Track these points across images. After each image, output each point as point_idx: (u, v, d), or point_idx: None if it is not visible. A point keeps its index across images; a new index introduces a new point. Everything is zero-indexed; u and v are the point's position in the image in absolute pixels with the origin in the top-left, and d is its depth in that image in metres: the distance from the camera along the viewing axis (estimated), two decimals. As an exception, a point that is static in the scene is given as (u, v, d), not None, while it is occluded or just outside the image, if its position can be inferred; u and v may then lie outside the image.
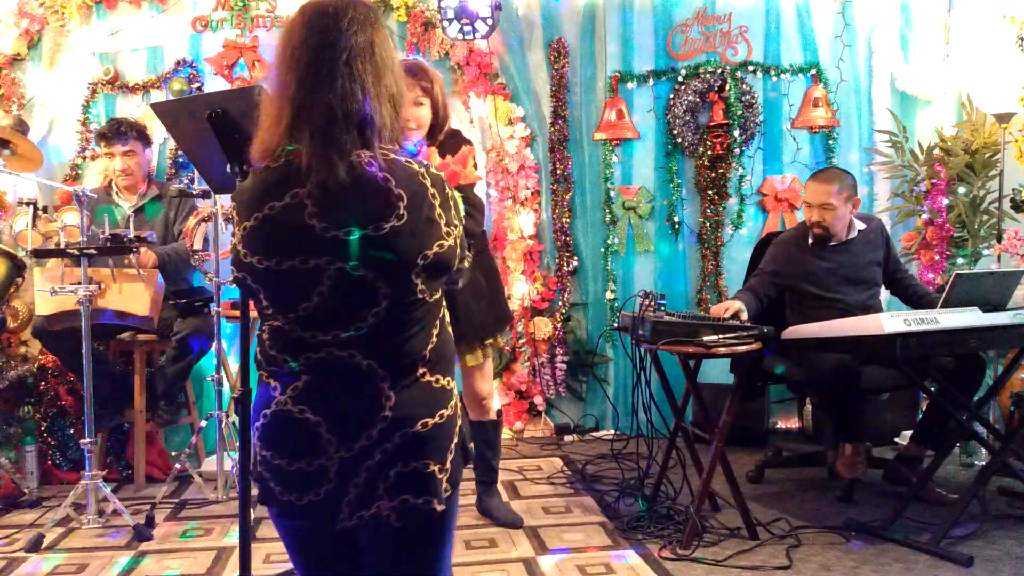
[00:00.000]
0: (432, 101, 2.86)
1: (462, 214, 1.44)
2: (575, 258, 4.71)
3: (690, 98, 4.61)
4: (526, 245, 4.60)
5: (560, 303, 4.68)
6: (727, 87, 4.59)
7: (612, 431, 4.63)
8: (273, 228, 1.33)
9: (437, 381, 1.40)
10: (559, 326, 4.65)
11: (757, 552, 2.93)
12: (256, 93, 2.27)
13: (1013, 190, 4.14)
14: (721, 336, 2.89)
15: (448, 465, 1.40)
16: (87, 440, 3.28)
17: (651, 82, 4.69)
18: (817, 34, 4.72)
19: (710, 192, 4.66)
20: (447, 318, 1.46)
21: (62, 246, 3.28)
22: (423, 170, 1.37)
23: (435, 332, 1.40)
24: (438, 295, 1.41)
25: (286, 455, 1.37)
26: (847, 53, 4.72)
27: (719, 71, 4.61)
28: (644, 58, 4.70)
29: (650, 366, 3.27)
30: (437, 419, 1.38)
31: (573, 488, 3.71)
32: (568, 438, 4.59)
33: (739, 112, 4.60)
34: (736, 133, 4.60)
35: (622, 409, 4.62)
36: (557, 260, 4.70)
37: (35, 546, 3.08)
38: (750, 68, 4.67)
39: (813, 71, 4.70)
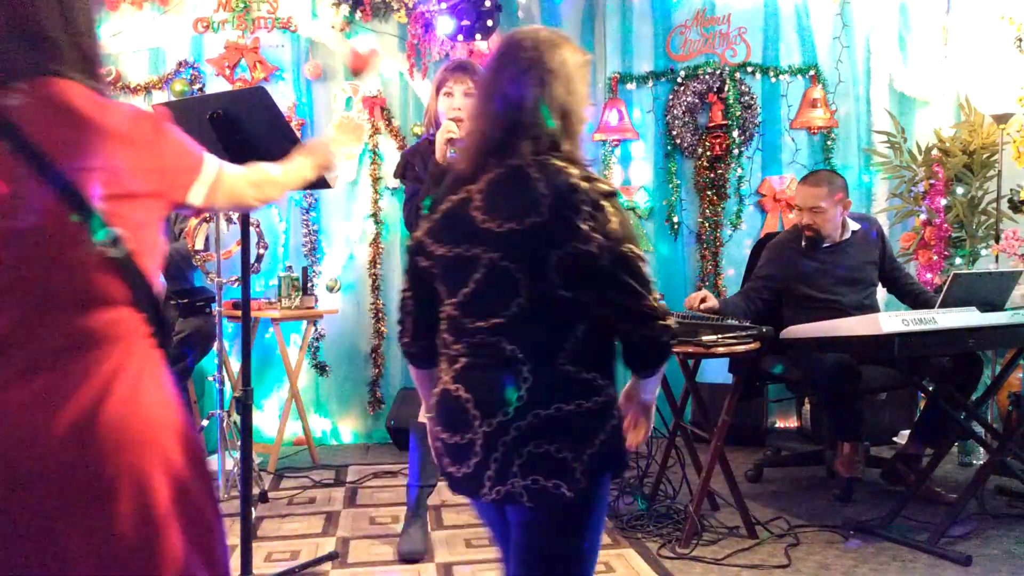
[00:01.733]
0: None
1: (629, 231, 1.47)
2: (575, 258, 4.72)
3: (689, 99, 4.62)
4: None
5: (560, 303, 4.69)
6: (726, 88, 4.61)
7: (612, 431, 4.64)
8: (450, 219, 1.51)
9: (579, 373, 1.46)
10: (559, 326, 4.65)
11: (756, 551, 2.94)
12: (258, 94, 2.30)
13: (1011, 190, 4.16)
14: (720, 336, 2.90)
15: (585, 456, 1.44)
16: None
17: (650, 83, 4.71)
18: (816, 35, 4.74)
19: (709, 193, 4.68)
20: (608, 318, 1.49)
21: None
22: (580, 177, 1.45)
23: (581, 328, 1.46)
24: (588, 295, 1.46)
25: (448, 430, 1.52)
26: (846, 54, 4.73)
27: (718, 72, 4.63)
28: (643, 59, 4.72)
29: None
30: (574, 407, 1.44)
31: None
32: (568, 438, 4.60)
33: (738, 113, 4.61)
34: (735, 134, 4.61)
35: (622, 409, 4.63)
36: (557, 260, 4.71)
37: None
38: (749, 69, 4.68)
39: (812, 72, 4.71)
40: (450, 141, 2.76)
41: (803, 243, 3.50)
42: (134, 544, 1.21)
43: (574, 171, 1.46)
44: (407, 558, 2.89)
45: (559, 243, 1.42)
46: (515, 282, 1.44)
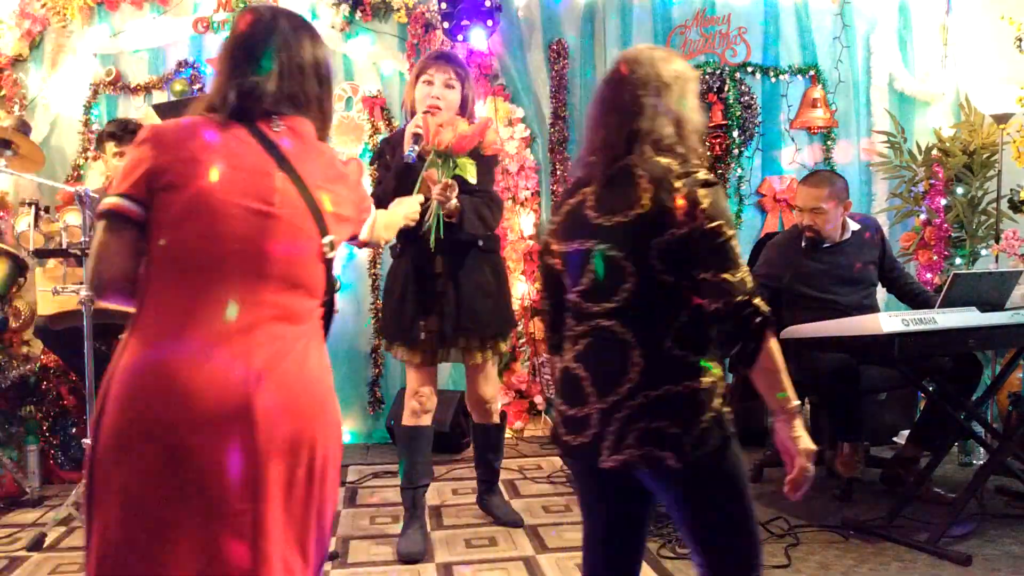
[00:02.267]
0: (462, 88, 2.89)
1: (720, 212, 1.56)
2: (575, 258, 4.72)
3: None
4: (526, 245, 4.62)
5: (560, 303, 4.69)
6: (726, 88, 4.61)
7: (612, 431, 4.64)
8: (569, 219, 1.71)
9: (686, 356, 1.59)
10: (559, 326, 4.66)
11: (756, 551, 2.94)
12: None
13: (1011, 190, 4.16)
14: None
15: (694, 433, 1.56)
16: (89, 439, 3.29)
17: (650, 83, 4.70)
18: (816, 35, 4.74)
19: (709, 192, 4.67)
20: (707, 303, 1.58)
21: (64, 246, 3.30)
22: (679, 169, 1.59)
23: (686, 312, 1.59)
24: (690, 280, 1.57)
25: (566, 403, 1.70)
26: (846, 54, 4.73)
27: (718, 72, 4.63)
28: (643, 59, 4.71)
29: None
30: (680, 388, 1.57)
31: (573, 487, 3.73)
32: (568, 438, 4.60)
33: (738, 113, 4.61)
34: (735, 134, 4.61)
35: (622, 409, 4.62)
36: (557, 260, 4.71)
37: (37, 545, 3.09)
38: (749, 69, 4.68)
39: (812, 72, 4.72)
40: (415, 136, 2.67)
41: (803, 243, 3.50)
42: (304, 495, 1.48)
43: (676, 166, 1.59)
44: (406, 559, 2.89)
45: (659, 231, 1.56)
46: (623, 270, 1.59)
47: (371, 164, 3.06)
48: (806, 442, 1.60)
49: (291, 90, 1.57)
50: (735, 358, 1.58)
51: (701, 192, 1.55)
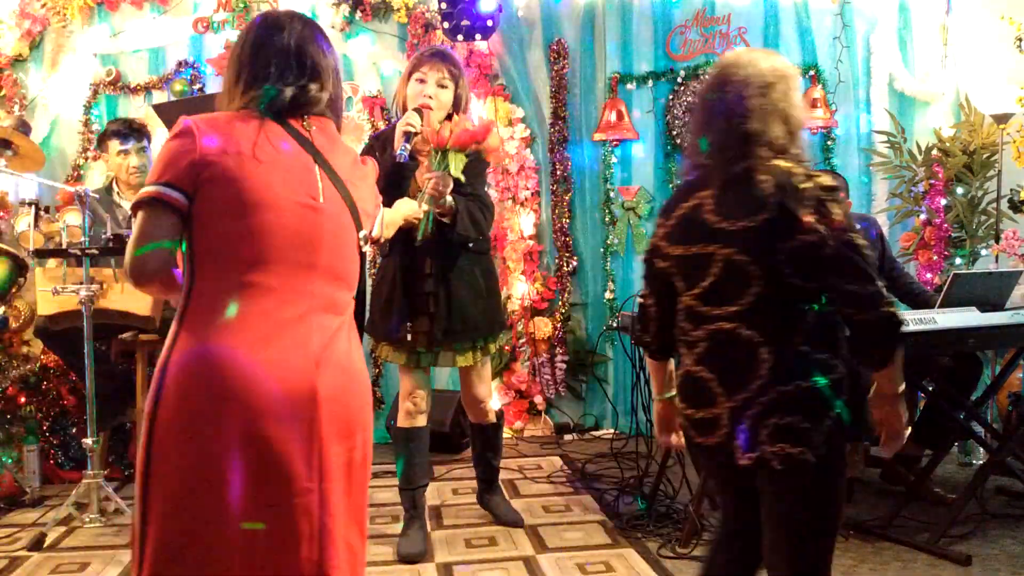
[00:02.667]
0: (455, 87, 2.87)
1: (850, 221, 1.64)
2: (575, 258, 4.73)
3: (689, 99, 4.62)
4: (526, 245, 4.62)
5: (560, 303, 4.70)
6: (726, 88, 4.60)
7: (612, 430, 4.64)
8: (684, 224, 1.74)
9: (814, 353, 1.65)
10: (559, 326, 4.66)
11: (756, 551, 2.94)
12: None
13: (1011, 190, 4.16)
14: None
15: (824, 427, 1.63)
16: (89, 439, 3.29)
17: (650, 83, 4.71)
18: (816, 35, 4.74)
19: (709, 192, 4.67)
20: (853, 312, 1.64)
21: (64, 246, 3.30)
22: (803, 175, 1.64)
23: (813, 311, 1.65)
24: (816, 281, 1.64)
25: (692, 406, 1.75)
26: (846, 54, 4.73)
27: (718, 72, 4.62)
28: (643, 59, 4.71)
29: (649, 366, 3.28)
30: (809, 385, 1.63)
31: (573, 487, 3.73)
32: (568, 437, 4.61)
33: (738, 113, 4.61)
34: (735, 134, 4.61)
35: (621, 408, 4.63)
36: (557, 260, 4.71)
37: (37, 545, 3.09)
38: (749, 69, 4.67)
39: (812, 72, 4.71)
40: (406, 134, 2.66)
41: None
42: (361, 477, 1.58)
43: (798, 170, 1.64)
44: (406, 560, 2.89)
45: (787, 236, 1.60)
46: (749, 273, 1.63)
47: None
48: (904, 419, 1.73)
49: (335, 93, 1.65)
50: (870, 359, 1.67)
51: (829, 199, 1.61)
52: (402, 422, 3.02)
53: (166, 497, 1.45)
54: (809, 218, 1.59)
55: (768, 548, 1.74)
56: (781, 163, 1.64)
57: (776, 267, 1.62)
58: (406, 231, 2.76)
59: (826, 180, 1.63)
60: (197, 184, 1.48)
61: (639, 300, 1.93)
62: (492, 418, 3.20)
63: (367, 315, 2.86)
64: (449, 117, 2.84)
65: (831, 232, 1.59)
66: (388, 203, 2.67)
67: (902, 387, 1.71)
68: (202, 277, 1.50)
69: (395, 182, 2.70)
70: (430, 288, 2.88)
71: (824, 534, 1.74)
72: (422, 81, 2.81)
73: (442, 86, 2.83)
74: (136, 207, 1.50)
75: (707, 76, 1.79)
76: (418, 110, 2.77)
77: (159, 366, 1.50)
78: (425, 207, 2.71)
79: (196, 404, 1.44)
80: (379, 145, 2.90)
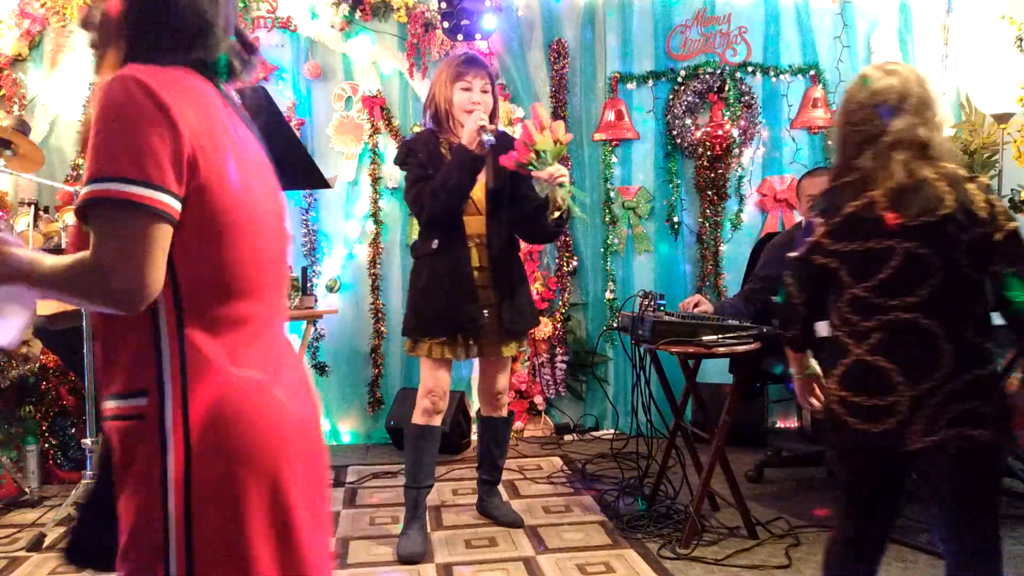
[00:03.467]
0: (493, 89, 3.02)
1: (1008, 210, 1.83)
2: (575, 258, 4.73)
3: (689, 99, 4.62)
4: (526, 245, 4.61)
5: (560, 303, 4.70)
6: (726, 88, 4.60)
7: (612, 431, 4.64)
8: (854, 221, 1.84)
9: (983, 343, 1.80)
10: (559, 326, 4.66)
11: (756, 551, 2.94)
12: (257, 94, 2.29)
13: (1012, 190, 4.15)
14: (720, 336, 2.90)
15: (998, 411, 1.79)
16: (89, 439, 3.29)
17: (651, 83, 4.71)
18: (816, 35, 4.74)
19: (709, 192, 4.67)
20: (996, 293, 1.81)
21: (64, 246, 3.29)
22: (967, 173, 1.82)
23: (982, 303, 1.81)
24: (986, 270, 1.79)
25: (862, 393, 1.83)
26: (846, 54, 4.73)
27: (718, 72, 4.62)
28: (644, 59, 4.71)
29: (649, 366, 3.28)
30: (984, 372, 1.79)
31: (573, 487, 3.72)
32: (568, 437, 4.61)
33: (738, 113, 4.61)
34: (735, 134, 4.61)
35: (622, 409, 4.63)
36: (557, 260, 4.71)
37: (36, 545, 3.09)
38: (749, 69, 4.68)
39: (812, 72, 4.71)
40: (482, 128, 2.79)
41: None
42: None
43: (959, 170, 1.83)
44: (406, 560, 2.89)
45: (964, 229, 1.76)
46: (930, 265, 1.77)
47: (396, 163, 3.08)
48: None
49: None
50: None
51: (992, 195, 1.80)
52: (418, 419, 3.01)
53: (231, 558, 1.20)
54: (983, 213, 1.76)
55: (950, 525, 1.86)
56: (945, 164, 1.81)
57: (955, 259, 1.76)
58: (450, 230, 2.91)
59: (984, 178, 1.81)
60: (188, 192, 1.15)
61: (786, 299, 1.98)
62: (505, 412, 3.23)
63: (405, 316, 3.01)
64: (490, 118, 2.95)
65: (998, 222, 1.77)
66: (462, 194, 2.86)
67: None
68: (195, 317, 1.18)
69: (473, 172, 2.84)
70: (487, 281, 2.98)
71: (997, 505, 1.89)
72: (468, 89, 2.94)
73: (485, 92, 2.98)
74: (135, 212, 1.11)
75: (855, 85, 1.92)
76: (470, 112, 2.90)
77: (173, 417, 1.17)
78: (564, 194, 2.82)
79: (234, 450, 1.19)
80: (420, 146, 2.98)
